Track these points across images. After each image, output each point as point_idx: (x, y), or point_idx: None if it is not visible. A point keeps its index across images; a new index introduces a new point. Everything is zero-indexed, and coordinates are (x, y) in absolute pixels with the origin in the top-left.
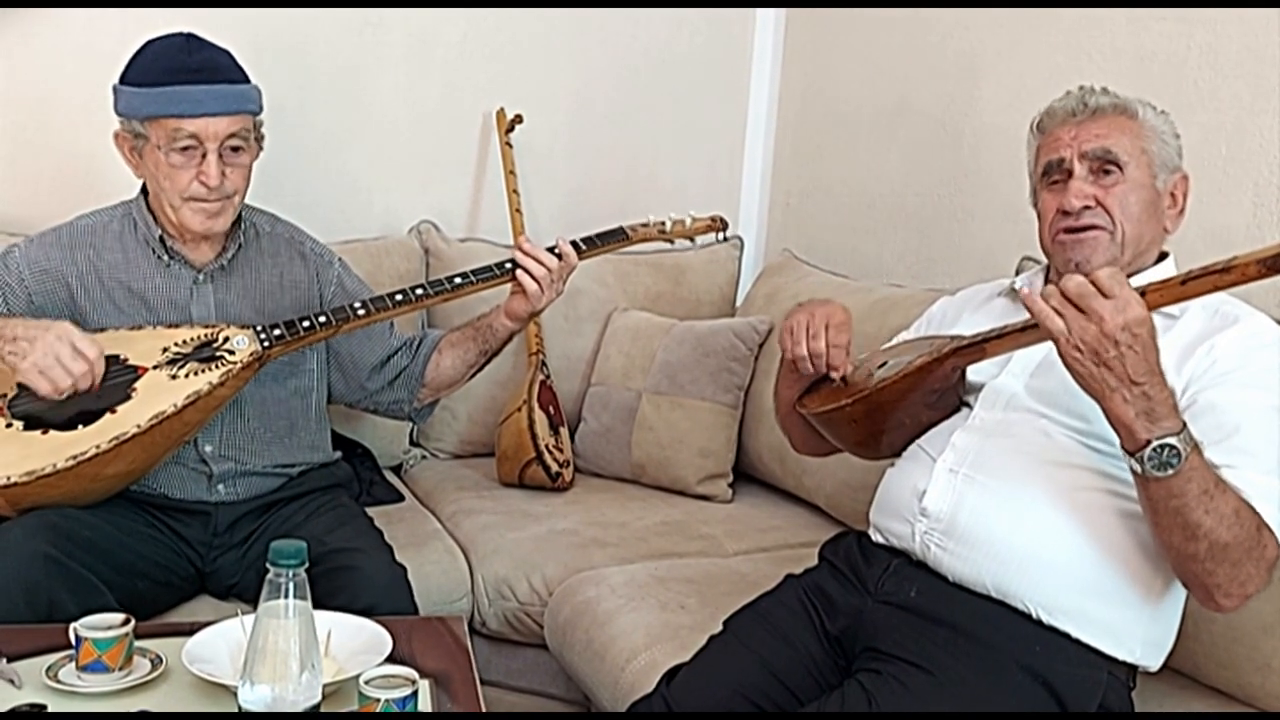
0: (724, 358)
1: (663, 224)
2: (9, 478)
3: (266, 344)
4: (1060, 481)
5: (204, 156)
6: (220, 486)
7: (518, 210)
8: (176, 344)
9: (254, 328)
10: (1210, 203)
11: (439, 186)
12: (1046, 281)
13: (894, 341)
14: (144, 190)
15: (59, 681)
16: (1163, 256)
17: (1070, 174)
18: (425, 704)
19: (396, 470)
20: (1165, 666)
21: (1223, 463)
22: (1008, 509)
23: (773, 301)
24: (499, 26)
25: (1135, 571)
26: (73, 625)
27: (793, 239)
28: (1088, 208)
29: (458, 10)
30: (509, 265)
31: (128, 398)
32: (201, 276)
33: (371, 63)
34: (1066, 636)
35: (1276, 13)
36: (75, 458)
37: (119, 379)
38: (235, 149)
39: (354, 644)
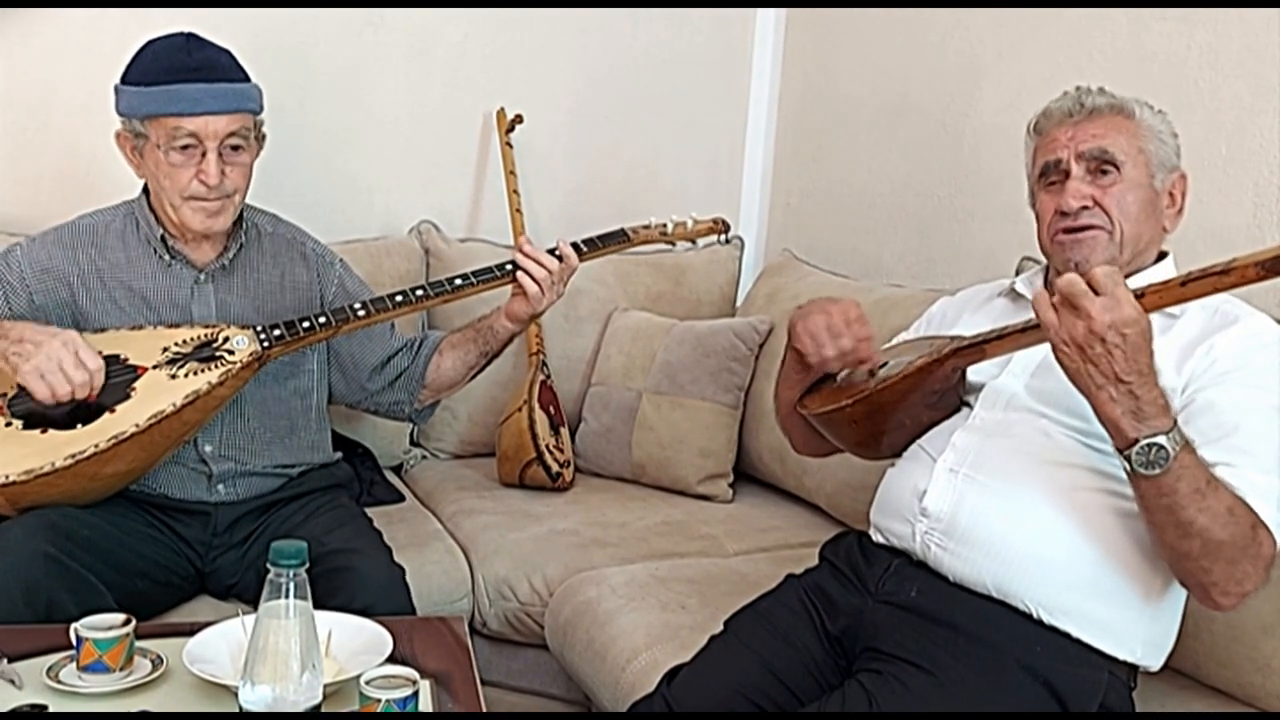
0: (724, 358)
1: (664, 226)
2: (8, 477)
3: (266, 344)
4: (1060, 481)
5: (204, 155)
6: (220, 486)
7: (518, 210)
8: (176, 344)
9: (254, 328)
10: (1210, 203)
11: (439, 186)
12: (1046, 281)
13: (894, 342)
14: (145, 190)
15: (60, 682)
16: (1162, 256)
17: (1067, 175)
18: (426, 704)
19: (397, 470)
20: (1166, 666)
21: (1221, 461)
22: (1008, 509)
23: (773, 302)
24: (500, 26)
25: (1135, 571)
26: (73, 625)
27: (793, 239)
28: (1085, 208)
29: (458, 10)
30: (509, 267)
31: (127, 397)
32: (203, 276)
33: (372, 63)
34: (1067, 636)
35: (1277, 13)
36: (74, 457)
37: (118, 379)
38: (235, 148)
39: (355, 644)
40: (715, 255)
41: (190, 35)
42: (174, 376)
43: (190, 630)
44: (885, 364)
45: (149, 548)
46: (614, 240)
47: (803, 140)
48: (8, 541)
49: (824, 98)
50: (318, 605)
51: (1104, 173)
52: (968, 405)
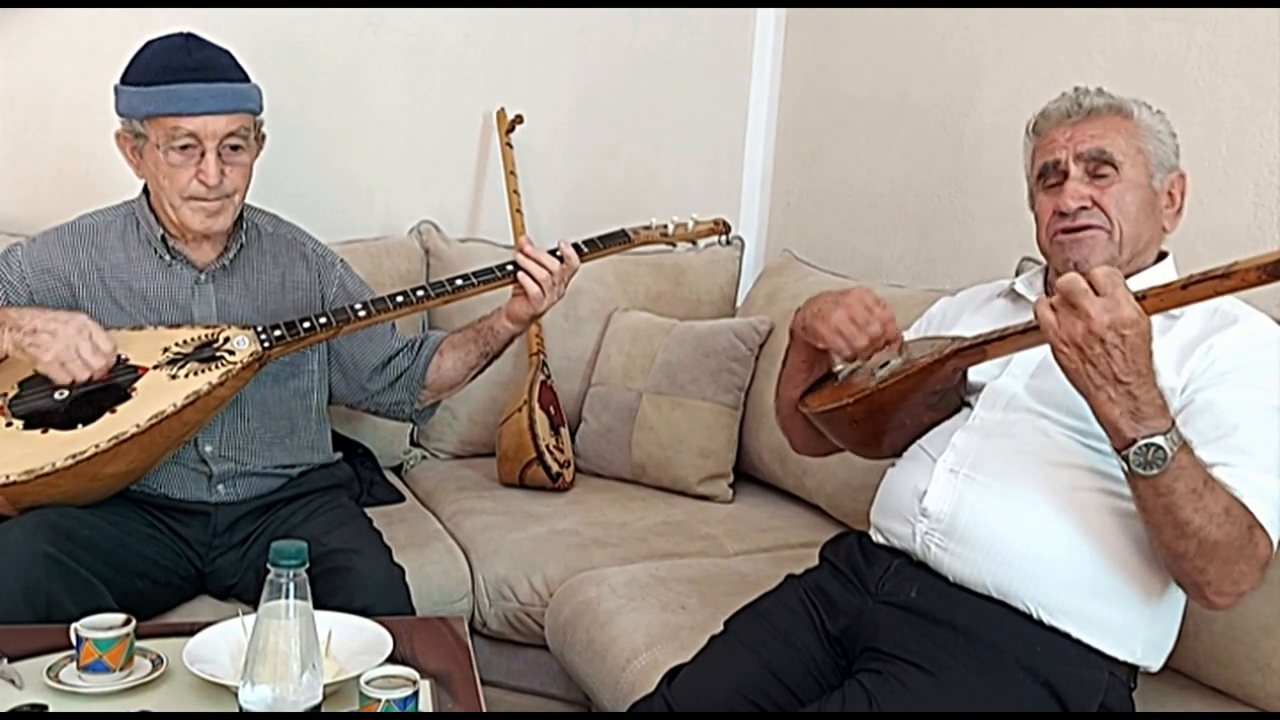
0: (724, 358)
1: (665, 227)
2: (8, 477)
3: (267, 344)
4: (1060, 482)
5: (203, 155)
6: (220, 487)
7: (518, 210)
8: (177, 344)
9: (254, 328)
10: (1210, 203)
11: (439, 187)
12: (1046, 282)
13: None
14: (146, 190)
15: (60, 682)
16: (1162, 256)
17: (1066, 175)
18: (426, 704)
19: (397, 470)
20: (1166, 666)
21: (1220, 461)
22: (1008, 509)
23: (773, 302)
24: (500, 26)
25: (1134, 571)
26: (74, 625)
27: (793, 239)
28: (1084, 208)
29: (458, 10)
30: (510, 267)
31: (128, 397)
32: (203, 276)
33: (372, 63)
34: (1067, 637)
35: (1276, 13)
36: (74, 457)
37: (119, 379)
38: (234, 148)
39: (355, 644)
40: (715, 255)
41: (189, 35)
42: (174, 377)
43: (190, 630)
44: (887, 363)
45: (149, 548)
46: (615, 241)
47: (803, 140)
48: (8, 541)
49: (824, 98)
50: (317, 605)
51: (1102, 173)
52: (968, 405)
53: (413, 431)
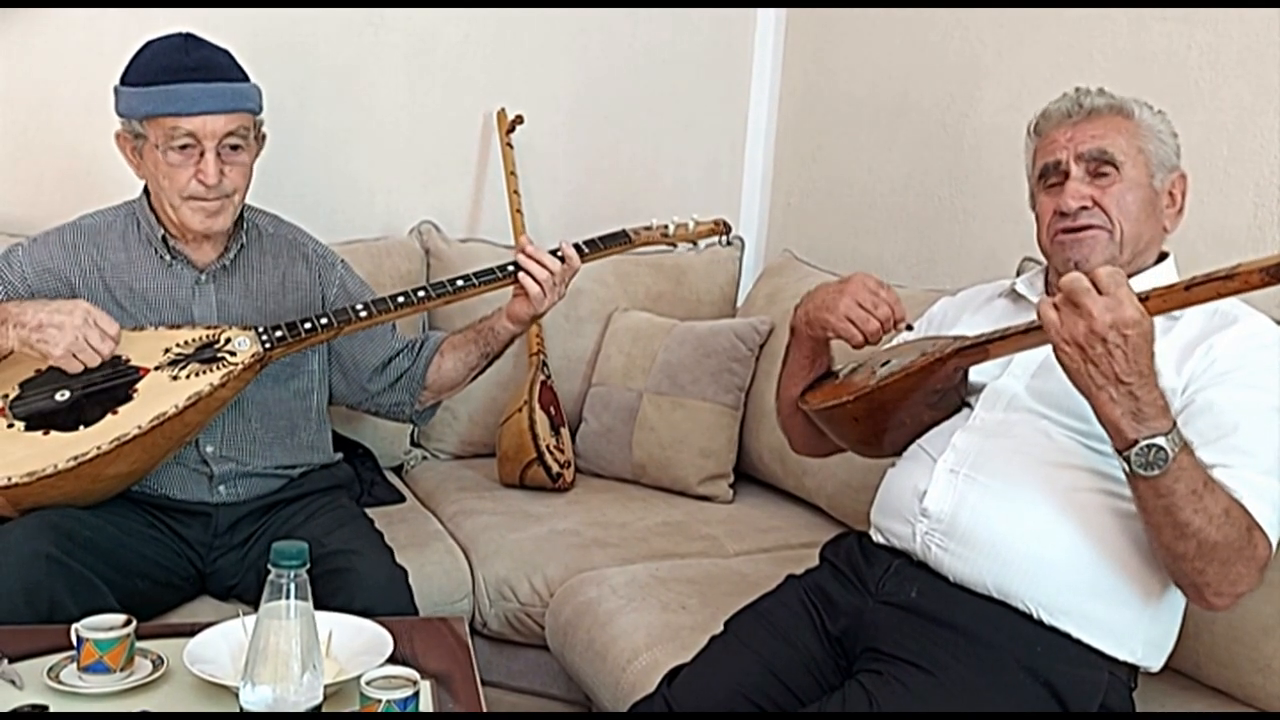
0: (725, 358)
1: (665, 227)
2: (10, 478)
3: (268, 345)
4: (1060, 482)
5: (202, 155)
6: (221, 487)
7: (518, 211)
8: (178, 345)
9: (255, 329)
10: (1211, 203)
11: (440, 187)
12: (1046, 282)
13: (895, 341)
14: (146, 190)
15: (60, 682)
16: (1163, 257)
17: (1067, 176)
18: (426, 705)
19: (397, 471)
20: (1166, 667)
21: (1220, 462)
22: (1008, 509)
23: (773, 302)
24: (500, 27)
25: (1134, 572)
26: (74, 626)
27: (793, 239)
28: (1085, 208)
29: (459, 10)
30: (511, 268)
31: (129, 398)
32: (204, 276)
33: (372, 63)
34: (1067, 637)
35: (1277, 13)
36: (76, 458)
37: (120, 380)
38: (234, 147)
39: (355, 644)
40: (716, 256)
41: (188, 35)
42: (176, 378)
43: (191, 631)
44: (887, 362)
45: (150, 548)
46: (615, 241)
47: (803, 140)
48: (9, 542)
49: (824, 98)
50: (318, 606)
51: (1103, 173)
52: (968, 406)
53: (413, 432)
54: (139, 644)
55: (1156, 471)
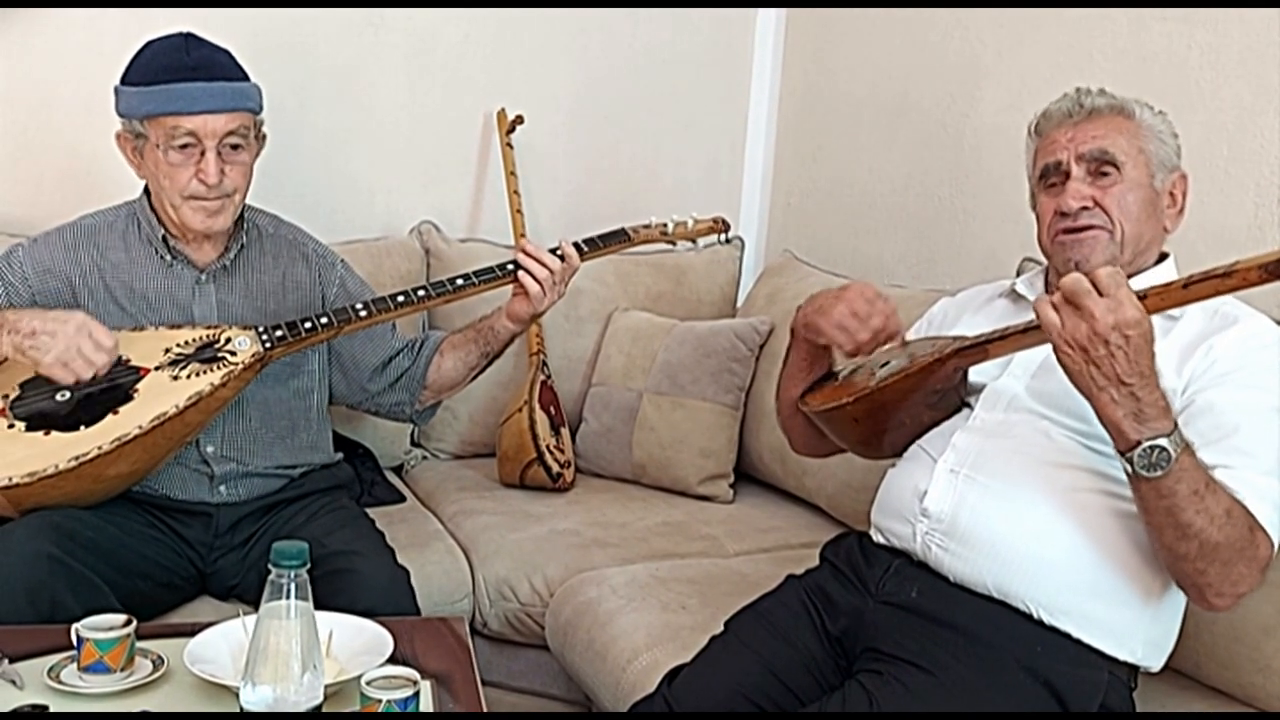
0: (725, 358)
1: (665, 226)
2: (11, 478)
3: (268, 345)
4: (1060, 482)
5: (203, 154)
6: (222, 488)
7: (518, 211)
8: (178, 345)
9: (256, 328)
10: (1211, 203)
11: (440, 187)
12: (1046, 282)
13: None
14: (147, 190)
15: (61, 682)
16: (1163, 257)
17: (1068, 176)
18: (427, 705)
19: (398, 471)
20: (1166, 667)
21: (1221, 463)
22: (1008, 509)
23: (774, 302)
24: (500, 27)
25: (1135, 572)
26: (74, 626)
27: (793, 239)
28: (1085, 208)
29: (459, 10)
30: (511, 267)
31: (130, 398)
32: (204, 276)
33: (372, 63)
34: (1067, 637)
35: (1277, 13)
36: (77, 458)
37: (121, 380)
38: (234, 147)
39: (355, 644)
40: (716, 255)
41: (189, 35)
42: (176, 378)
43: (191, 631)
44: (886, 363)
45: (151, 549)
46: (615, 240)
47: (803, 140)
48: (11, 542)
49: (824, 98)
50: (320, 607)
51: (1104, 173)
52: (968, 406)
53: (413, 432)
54: (139, 644)
55: (1159, 473)
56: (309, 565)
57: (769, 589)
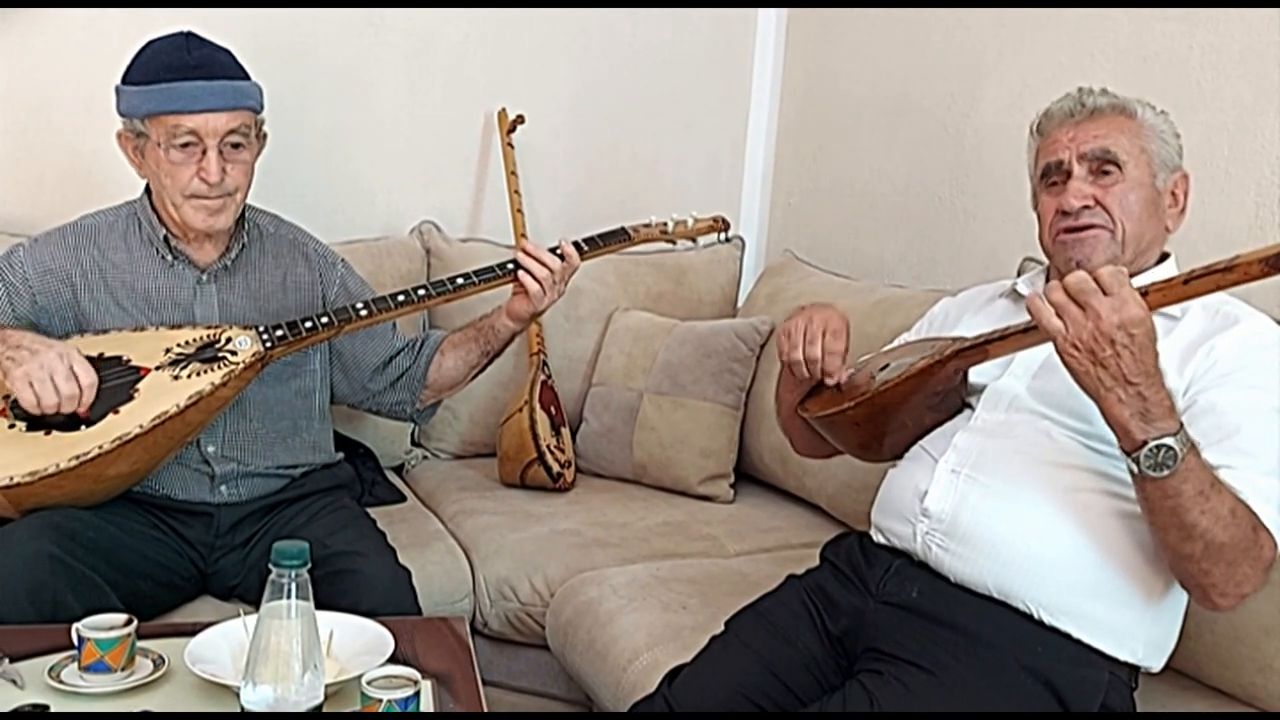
0: (725, 358)
1: (665, 224)
2: (12, 478)
3: (269, 344)
4: (1061, 482)
5: (204, 153)
6: (223, 487)
7: (519, 210)
8: (179, 344)
9: (256, 328)
10: (1212, 203)
11: (440, 187)
12: (1047, 282)
13: (895, 343)
14: (148, 190)
15: (61, 682)
16: (1164, 257)
17: (1069, 175)
18: (427, 704)
19: (398, 470)
20: (1167, 667)
21: (1223, 463)
22: (1009, 510)
23: (774, 302)
24: (501, 27)
25: (1136, 572)
26: (75, 626)
27: (794, 239)
28: (1087, 207)
29: (459, 10)
30: (511, 266)
31: (130, 398)
32: (205, 276)
33: (373, 63)
34: (1068, 637)
35: (1278, 13)
36: (78, 458)
37: (121, 380)
38: (235, 145)
39: (356, 644)
40: (716, 255)
41: (189, 34)
42: (177, 377)
43: (192, 630)
44: (886, 366)
45: (152, 549)
46: (615, 239)
47: (803, 140)
48: (12, 542)
49: (825, 97)
50: (322, 607)
51: (1106, 172)
52: (969, 407)
53: (414, 431)
54: (140, 643)
55: (1165, 472)
56: (310, 565)
57: (769, 589)
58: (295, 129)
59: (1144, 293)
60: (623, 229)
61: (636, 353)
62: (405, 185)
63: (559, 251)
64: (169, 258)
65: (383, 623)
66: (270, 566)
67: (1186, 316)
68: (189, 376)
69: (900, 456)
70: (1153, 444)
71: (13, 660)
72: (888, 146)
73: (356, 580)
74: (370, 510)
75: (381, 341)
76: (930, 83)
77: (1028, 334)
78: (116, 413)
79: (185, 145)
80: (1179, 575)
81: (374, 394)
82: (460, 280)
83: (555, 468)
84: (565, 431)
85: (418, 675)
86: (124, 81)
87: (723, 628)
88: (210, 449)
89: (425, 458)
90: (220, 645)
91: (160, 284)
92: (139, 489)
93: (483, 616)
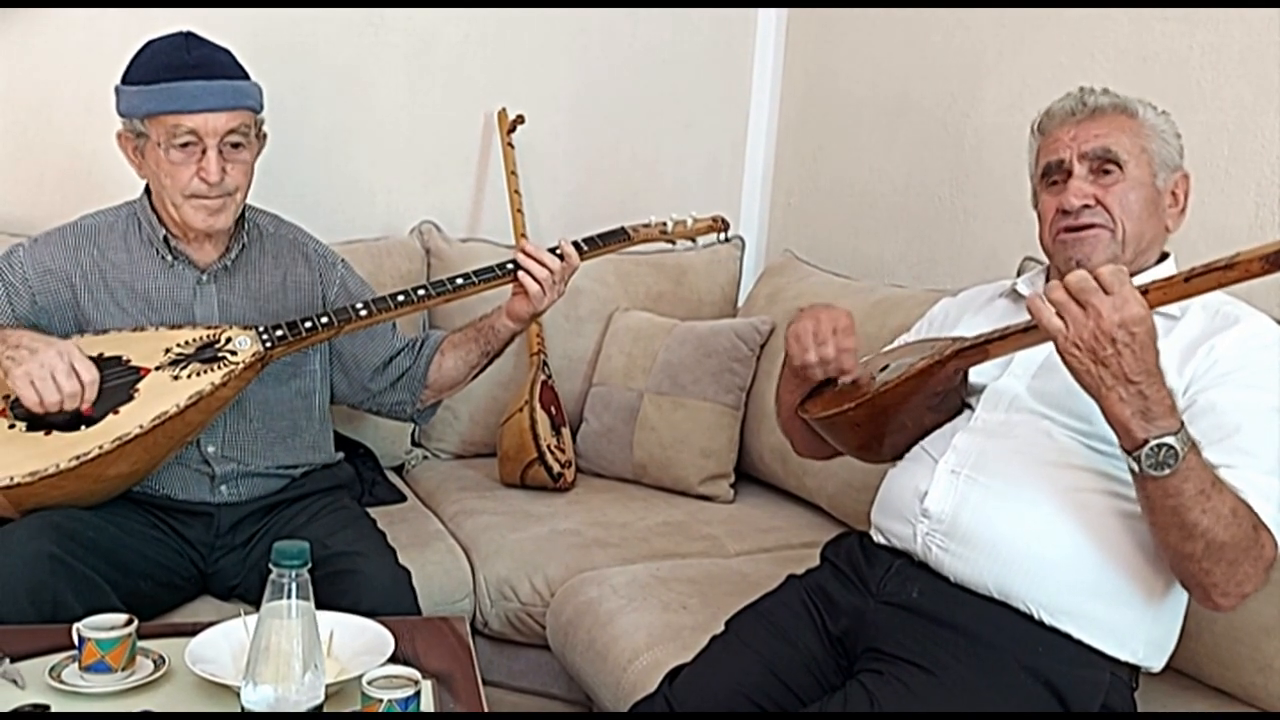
0: (726, 358)
1: (664, 224)
2: (12, 478)
3: (269, 344)
4: (1062, 482)
5: (204, 153)
6: (223, 487)
7: (519, 210)
8: (179, 345)
9: (256, 328)
10: (1212, 203)
11: (440, 187)
12: (1048, 282)
13: (895, 343)
14: (148, 190)
15: (62, 682)
16: (1164, 257)
17: (1070, 174)
18: (428, 704)
19: (398, 470)
20: (1168, 667)
21: (1223, 463)
22: (1009, 510)
23: (774, 302)
24: (500, 27)
25: (1136, 572)
26: (76, 626)
27: (794, 239)
28: (1087, 207)
29: (459, 10)
30: (511, 266)
31: (130, 398)
32: (205, 276)
33: (373, 63)
34: (1068, 637)
35: (1278, 13)
36: (78, 458)
37: (121, 380)
38: (235, 145)
39: (356, 644)
40: (716, 255)
41: (189, 34)
42: (177, 378)
43: (192, 630)
44: (886, 367)
45: (152, 549)
46: (615, 239)
47: (804, 140)
48: (13, 542)
49: (825, 97)
50: (322, 607)
51: (1106, 172)
52: (969, 407)
53: (414, 431)
54: (140, 643)
55: (1166, 471)
56: (310, 565)
57: (770, 589)
58: (295, 129)
59: (1144, 291)
60: (622, 229)
61: (636, 353)
62: (405, 185)
63: (559, 251)
64: (169, 258)
65: (383, 623)
66: (270, 566)
67: (1186, 316)
68: (189, 377)
69: (900, 457)
70: (1154, 443)
71: (13, 660)
72: (888, 146)
73: (357, 580)
74: (370, 510)
75: (381, 342)
76: (930, 83)
77: (1028, 333)
78: (116, 413)
79: (185, 145)
80: (1180, 575)
81: (374, 394)
82: (460, 280)
83: (555, 468)
84: (565, 431)
85: (418, 675)
86: (124, 81)
87: (723, 628)
88: (210, 449)
89: (425, 458)
90: (221, 645)
91: (160, 284)
92: (139, 489)
93: (483, 616)
